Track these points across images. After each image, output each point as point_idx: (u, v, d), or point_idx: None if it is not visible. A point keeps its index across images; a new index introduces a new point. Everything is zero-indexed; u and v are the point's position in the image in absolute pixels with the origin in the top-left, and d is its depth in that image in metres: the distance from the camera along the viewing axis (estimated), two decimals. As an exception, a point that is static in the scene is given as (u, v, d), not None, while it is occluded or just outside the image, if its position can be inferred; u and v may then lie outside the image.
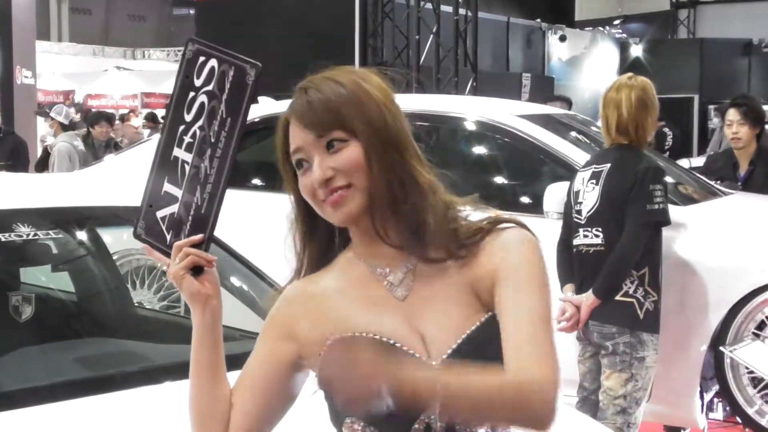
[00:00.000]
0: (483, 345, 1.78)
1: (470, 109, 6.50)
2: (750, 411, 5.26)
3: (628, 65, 23.08)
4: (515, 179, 6.38)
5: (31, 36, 15.05)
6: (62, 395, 2.93)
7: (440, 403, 1.65)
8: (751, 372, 5.16)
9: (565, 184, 5.16)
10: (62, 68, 26.38)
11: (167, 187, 1.97)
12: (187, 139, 1.95)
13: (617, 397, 4.49)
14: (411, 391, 1.64)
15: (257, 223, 5.89)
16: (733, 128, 6.50)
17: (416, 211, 1.80)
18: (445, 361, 1.76)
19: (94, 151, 11.56)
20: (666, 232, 4.99)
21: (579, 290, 4.63)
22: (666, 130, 14.72)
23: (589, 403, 4.72)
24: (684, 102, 22.28)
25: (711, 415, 5.54)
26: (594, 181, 4.62)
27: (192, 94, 1.96)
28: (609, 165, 4.60)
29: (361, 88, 1.82)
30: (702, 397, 5.23)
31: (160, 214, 1.97)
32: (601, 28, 26.89)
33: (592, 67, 24.02)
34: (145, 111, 20.45)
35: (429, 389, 1.64)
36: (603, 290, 4.48)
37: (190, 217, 1.93)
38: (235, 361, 2.01)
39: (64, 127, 11.64)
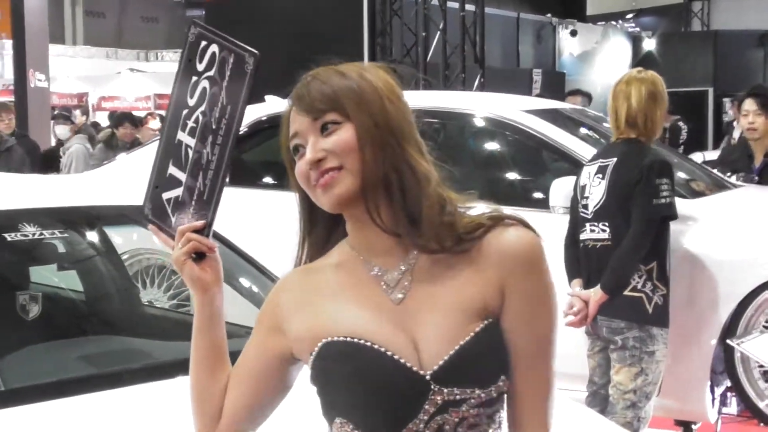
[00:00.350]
0: (476, 356, 1.76)
1: (477, 104, 6.50)
2: (761, 405, 5.25)
3: (640, 59, 23.01)
4: (522, 174, 6.38)
5: (44, 39, 15.06)
6: (66, 392, 2.95)
7: None
8: (762, 365, 5.14)
9: (571, 179, 5.15)
10: (76, 71, 26.47)
11: (172, 170, 1.97)
12: (190, 123, 1.95)
13: (627, 392, 4.49)
14: None
15: (266, 221, 5.91)
16: (749, 118, 6.48)
17: (411, 198, 1.78)
18: (437, 371, 1.75)
19: (118, 153, 11.45)
20: (675, 225, 4.98)
21: (586, 285, 4.62)
22: (681, 124, 14.68)
23: (599, 398, 4.72)
24: (698, 95, 22.20)
25: (725, 409, 5.52)
26: (600, 176, 4.62)
27: (194, 78, 1.96)
28: (615, 159, 4.59)
29: (362, 77, 1.82)
30: (713, 391, 5.22)
31: (165, 196, 1.97)
32: (613, 22, 26.80)
33: (604, 61, 23.95)
34: (161, 112, 20.48)
35: None
36: (610, 285, 4.48)
37: (193, 202, 1.93)
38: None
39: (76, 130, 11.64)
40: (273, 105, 6.72)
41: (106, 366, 3.37)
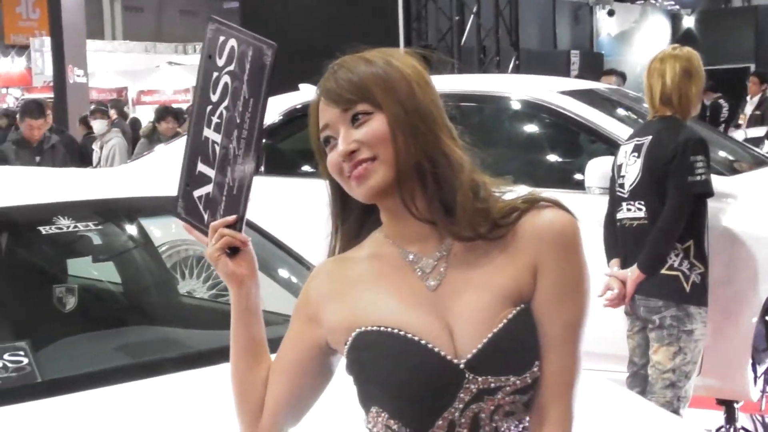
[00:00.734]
0: (510, 343, 1.75)
1: (512, 86, 6.47)
2: (804, 381, 5.20)
3: (680, 37, 22.82)
4: (558, 156, 6.35)
5: (81, 35, 15.20)
6: (101, 382, 2.98)
7: None
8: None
9: (607, 159, 5.13)
10: (115, 66, 26.68)
11: (201, 167, 1.98)
12: (215, 119, 1.95)
13: (666, 371, 4.46)
14: None
15: (303, 210, 5.92)
16: None
17: (445, 186, 1.77)
18: (470, 360, 1.74)
19: None
20: (713, 202, 4.94)
21: (624, 265, 4.60)
22: (722, 101, 14.59)
23: (639, 378, 4.70)
24: (739, 72, 21.96)
25: (768, 388, 5.48)
26: (636, 154, 4.59)
27: (216, 74, 1.96)
28: (650, 137, 4.56)
29: (390, 64, 1.80)
30: (755, 369, 5.17)
31: (196, 193, 1.98)
32: (651, 0, 26.57)
33: (642, 41, 23.77)
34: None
35: None
36: (647, 264, 4.45)
37: (223, 198, 1.93)
38: (277, 346, 1.99)
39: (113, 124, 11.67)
40: (307, 93, 6.73)
41: (142, 356, 3.39)
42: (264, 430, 1.93)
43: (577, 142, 6.19)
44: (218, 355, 2.94)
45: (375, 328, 1.78)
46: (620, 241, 4.66)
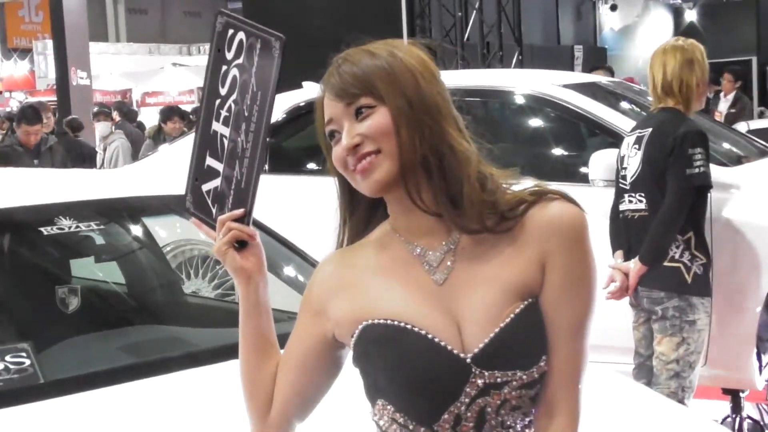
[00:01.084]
0: (517, 338, 1.75)
1: (514, 81, 6.47)
2: (808, 370, 5.20)
3: (682, 30, 22.79)
4: (562, 149, 6.34)
5: (84, 37, 15.21)
6: (105, 381, 2.98)
7: None
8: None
9: (610, 152, 5.14)
10: (119, 68, 26.69)
11: (210, 161, 1.97)
12: (224, 113, 1.95)
13: (670, 362, 4.46)
14: None
15: (308, 208, 5.92)
16: None
17: (451, 179, 1.76)
18: (477, 354, 1.74)
19: None
20: (716, 193, 4.95)
21: (627, 256, 4.60)
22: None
23: (645, 369, 4.70)
24: (742, 65, 21.93)
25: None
26: (637, 146, 4.59)
27: (224, 67, 1.95)
28: (651, 129, 4.56)
29: (394, 56, 1.79)
30: (759, 358, 5.17)
31: (205, 187, 1.98)
32: (654, -6, 26.57)
33: (645, 35, 23.76)
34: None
35: None
36: (648, 256, 4.45)
37: (231, 192, 1.93)
38: (283, 343, 1.98)
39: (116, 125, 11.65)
40: (310, 91, 6.72)
41: (146, 355, 3.39)
42: (273, 425, 1.92)
43: (580, 135, 6.19)
44: (224, 352, 2.95)
45: (382, 321, 1.78)
46: (623, 233, 4.66)
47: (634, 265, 4.49)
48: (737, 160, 5.71)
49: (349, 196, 1.88)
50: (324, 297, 1.87)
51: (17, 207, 3.63)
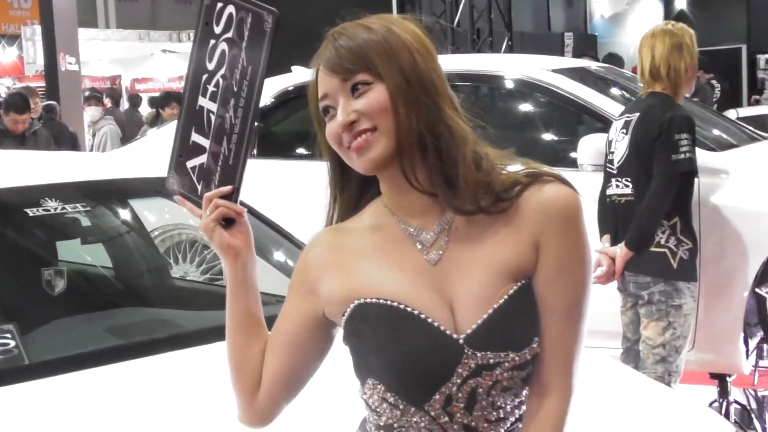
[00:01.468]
0: (510, 319, 1.74)
1: (503, 65, 6.46)
2: (795, 355, 5.21)
3: (672, 18, 22.78)
4: (551, 134, 6.34)
5: (73, 23, 15.11)
6: (90, 363, 2.97)
7: None
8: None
9: (599, 136, 5.14)
10: (109, 54, 26.56)
11: (195, 137, 1.94)
12: (211, 88, 1.91)
13: (656, 346, 4.47)
14: None
15: (296, 192, 5.91)
16: None
17: (447, 159, 1.74)
18: (470, 335, 1.72)
19: None
20: (705, 178, 4.95)
21: (614, 241, 4.60)
22: (714, 82, 14.57)
23: (633, 354, 4.70)
24: (732, 53, 21.96)
25: (762, 362, 5.48)
26: (624, 131, 4.59)
27: (212, 41, 1.92)
28: (638, 114, 4.56)
29: (391, 32, 1.76)
30: (746, 343, 5.18)
31: (190, 164, 1.94)
32: (644, -19, 26.57)
33: (635, 22, 23.78)
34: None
35: None
36: (634, 242, 4.45)
37: (218, 168, 1.89)
38: (272, 326, 1.97)
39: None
40: (299, 75, 6.71)
41: (131, 337, 3.38)
42: (262, 406, 1.90)
43: (569, 120, 6.19)
44: (211, 334, 2.94)
45: (374, 300, 1.76)
46: (610, 218, 4.66)
47: (621, 250, 4.49)
48: (726, 146, 5.71)
49: (340, 173, 1.86)
50: (315, 275, 1.85)
51: (3, 188, 3.60)
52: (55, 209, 3.55)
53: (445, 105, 1.76)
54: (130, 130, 13.84)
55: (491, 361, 1.72)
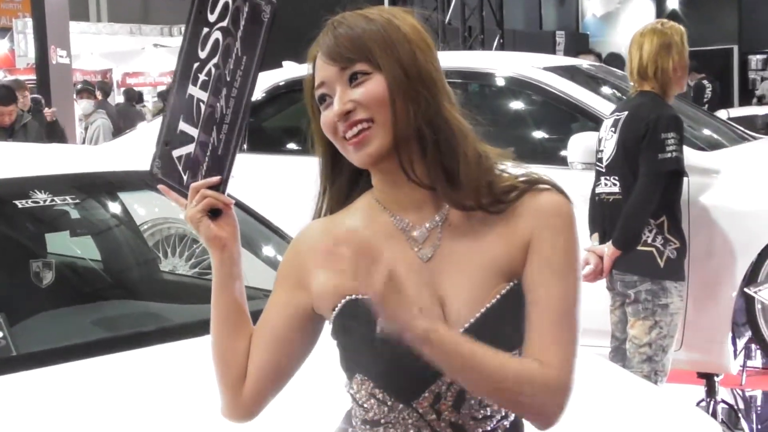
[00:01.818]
0: (502, 319, 1.73)
1: (495, 63, 6.46)
2: (782, 354, 5.22)
3: (664, 18, 22.83)
4: (542, 132, 6.35)
5: (64, 16, 15.06)
6: (78, 355, 2.97)
7: (429, 351, 1.63)
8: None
9: (589, 135, 5.15)
10: (100, 48, 26.51)
11: (183, 126, 1.91)
12: (202, 76, 1.88)
13: (642, 345, 4.47)
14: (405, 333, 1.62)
15: (286, 187, 5.91)
16: None
17: (446, 153, 1.73)
18: (461, 334, 1.70)
19: None
20: (694, 177, 4.96)
21: (603, 239, 4.60)
22: (705, 82, 14.63)
23: (621, 353, 4.70)
24: (723, 53, 22.01)
25: (749, 363, 5.49)
26: (613, 129, 4.59)
27: (206, 30, 1.89)
28: (627, 112, 4.56)
29: (391, 24, 1.75)
30: (734, 343, 5.19)
31: (176, 153, 1.91)
32: (636, -20, 26.60)
33: (627, 21, 23.81)
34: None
35: (421, 335, 1.62)
36: (621, 241, 4.45)
37: (206, 158, 1.86)
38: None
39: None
40: (291, 70, 6.71)
41: (119, 329, 3.38)
42: (247, 400, 1.87)
43: (560, 118, 6.18)
44: (198, 327, 2.93)
45: (365, 296, 1.71)
46: (598, 216, 4.66)
47: (608, 249, 4.49)
48: (716, 146, 5.72)
49: (331, 163, 1.84)
50: (304, 267, 1.83)
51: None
52: (45, 201, 3.54)
53: (443, 100, 1.76)
54: (125, 124, 13.80)
55: None
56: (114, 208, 4.16)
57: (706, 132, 5.98)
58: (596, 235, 4.66)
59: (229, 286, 1.87)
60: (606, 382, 3.22)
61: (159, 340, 3.12)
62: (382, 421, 1.77)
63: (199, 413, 2.48)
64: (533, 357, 1.71)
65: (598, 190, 4.65)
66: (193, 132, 1.89)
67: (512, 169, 1.81)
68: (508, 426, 1.80)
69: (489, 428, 1.77)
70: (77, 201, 3.84)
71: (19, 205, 3.51)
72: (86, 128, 12.17)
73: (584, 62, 7.45)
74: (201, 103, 1.88)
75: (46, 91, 13.83)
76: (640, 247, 4.43)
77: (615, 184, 4.54)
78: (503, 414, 1.78)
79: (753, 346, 5.45)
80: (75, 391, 2.80)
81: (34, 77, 15.25)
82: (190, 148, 1.89)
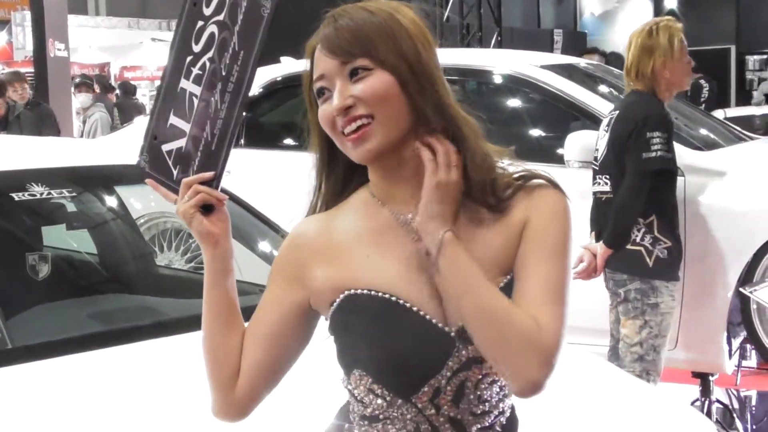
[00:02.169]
0: None
1: (493, 61, 6.46)
2: (778, 354, 5.22)
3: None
4: (539, 130, 6.34)
5: (62, 9, 15.04)
6: (73, 348, 2.96)
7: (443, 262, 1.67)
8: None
9: (586, 133, 5.14)
10: (98, 42, 26.47)
11: (174, 120, 1.88)
12: (195, 70, 1.86)
13: (633, 345, 4.46)
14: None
15: (282, 183, 5.90)
16: None
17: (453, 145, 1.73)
18: (461, 329, 1.70)
19: None
20: (689, 177, 4.96)
21: (599, 237, 4.60)
22: (702, 82, 14.59)
23: (617, 351, 4.70)
24: (720, 53, 22.02)
25: (744, 363, 5.49)
26: (607, 128, 4.60)
27: (200, 23, 1.87)
28: (618, 111, 4.57)
29: (393, 18, 1.73)
30: (730, 343, 5.19)
31: (166, 147, 1.89)
32: (634, -21, 26.61)
33: (625, 20, 23.82)
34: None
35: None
36: (610, 239, 4.44)
37: (199, 153, 1.84)
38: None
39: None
40: (288, 66, 6.70)
41: (115, 323, 3.37)
42: (240, 398, 1.84)
43: (557, 116, 6.18)
44: (194, 322, 2.92)
45: (365, 291, 1.73)
46: (595, 214, 4.66)
47: (600, 248, 4.49)
48: (713, 146, 5.72)
49: (327, 157, 1.83)
50: (300, 262, 1.81)
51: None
52: (41, 194, 3.53)
53: (447, 97, 1.75)
54: (123, 117, 13.79)
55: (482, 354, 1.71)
56: (110, 201, 4.16)
57: (703, 132, 5.98)
58: (594, 233, 4.66)
59: (221, 282, 1.85)
60: (601, 381, 3.22)
61: (155, 334, 3.11)
62: (381, 416, 1.76)
63: (195, 407, 2.47)
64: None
65: (594, 189, 4.65)
66: (185, 126, 1.87)
67: (510, 167, 1.80)
68: (504, 422, 1.80)
69: (487, 424, 1.77)
70: (74, 194, 3.83)
71: (16, 198, 3.50)
72: (84, 122, 12.15)
73: (582, 61, 7.46)
74: (194, 98, 1.86)
75: (44, 84, 13.82)
76: (629, 246, 4.42)
77: (607, 183, 4.54)
78: (501, 409, 1.78)
79: (748, 346, 5.44)
80: (71, 385, 2.79)
81: (32, 70, 15.22)
82: (181, 143, 1.87)
